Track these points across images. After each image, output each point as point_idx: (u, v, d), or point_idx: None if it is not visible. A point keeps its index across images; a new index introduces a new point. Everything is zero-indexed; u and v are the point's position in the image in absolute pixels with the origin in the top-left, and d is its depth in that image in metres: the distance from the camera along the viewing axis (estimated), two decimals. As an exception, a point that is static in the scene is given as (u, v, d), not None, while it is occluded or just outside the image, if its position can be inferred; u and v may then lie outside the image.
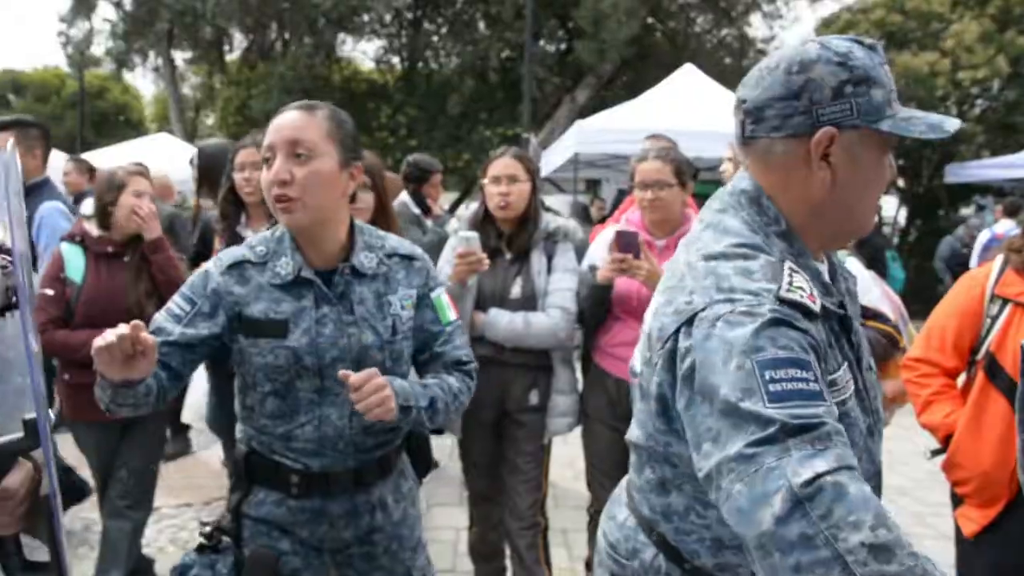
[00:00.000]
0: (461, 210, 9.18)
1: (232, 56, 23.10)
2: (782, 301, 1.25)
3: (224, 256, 2.01)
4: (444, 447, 5.99)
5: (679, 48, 20.31)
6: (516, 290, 3.25)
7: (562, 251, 3.32)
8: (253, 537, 2.02)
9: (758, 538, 1.09)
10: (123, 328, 1.62)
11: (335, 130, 1.94)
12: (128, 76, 28.11)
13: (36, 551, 1.45)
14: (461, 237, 3.11)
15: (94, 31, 22.60)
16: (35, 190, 4.11)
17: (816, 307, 1.28)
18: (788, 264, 1.32)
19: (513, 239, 3.30)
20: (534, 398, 3.30)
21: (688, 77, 11.33)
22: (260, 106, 19.72)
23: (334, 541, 2.07)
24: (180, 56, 23.72)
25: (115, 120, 30.48)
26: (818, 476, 1.06)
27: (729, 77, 18.13)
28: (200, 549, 1.98)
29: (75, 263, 3.42)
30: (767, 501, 1.08)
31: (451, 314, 2.18)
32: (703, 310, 1.27)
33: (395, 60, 22.41)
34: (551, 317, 3.19)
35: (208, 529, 1.99)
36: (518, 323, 3.18)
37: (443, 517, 4.94)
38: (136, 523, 3.64)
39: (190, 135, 21.71)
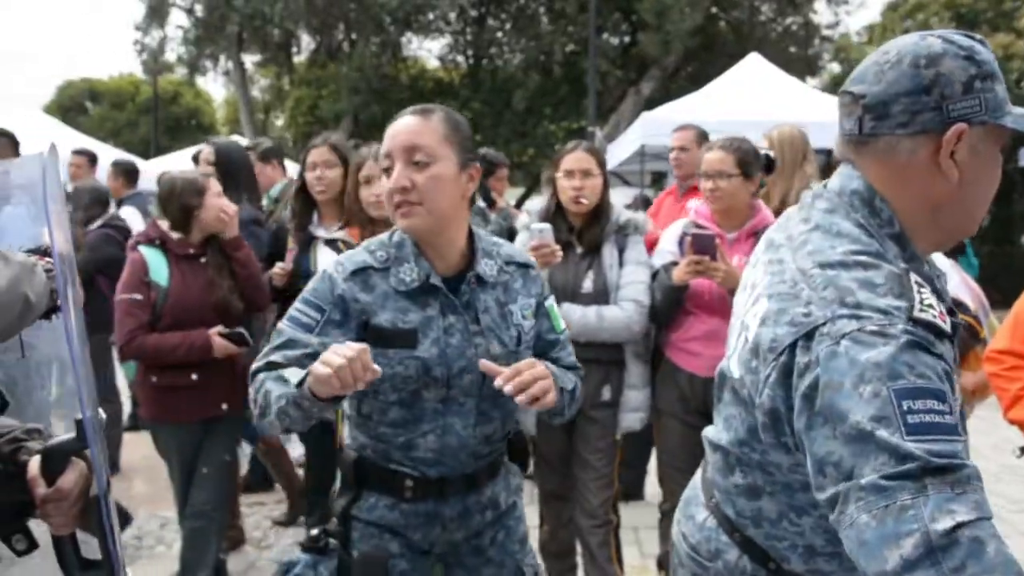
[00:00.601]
0: (531, 204, 9.17)
1: (300, 58, 23.46)
2: (916, 322, 1.18)
3: (346, 261, 1.97)
4: None
5: (744, 37, 20.02)
6: (588, 284, 3.24)
7: (633, 244, 3.32)
8: (363, 539, 1.99)
9: (879, 574, 1.07)
10: (354, 348, 1.64)
11: (451, 133, 1.92)
12: (200, 81, 28.78)
13: (94, 549, 1.44)
14: (534, 229, 3.10)
15: (167, 38, 23.14)
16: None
17: (948, 327, 1.22)
18: (914, 278, 1.25)
19: (584, 233, 3.29)
20: (606, 393, 3.28)
21: (753, 67, 11.17)
22: (329, 106, 20.01)
23: (445, 543, 2.05)
24: (249, 59, 24.16)
25: (187, 124, 31.19)
26: (958, 526, 1.03)
27: (795, 65, 17.85)
28: (307, 550, 1.98)
29: (158, 266, 3.46)
30: (897, 542, 1.05)
31: (562, 322, 2.19)
32: (823, 324, 1.22)
33: (460, 58, 22.52)
34: (624, 310, 3.18)
35: (315, 532, 1.99)
36: (591, 317, 3.17)
37: None
38: (220, 523, 3.69)
39: (260, 136, 22.02)
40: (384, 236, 2.02)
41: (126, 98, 31.75)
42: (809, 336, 1.24)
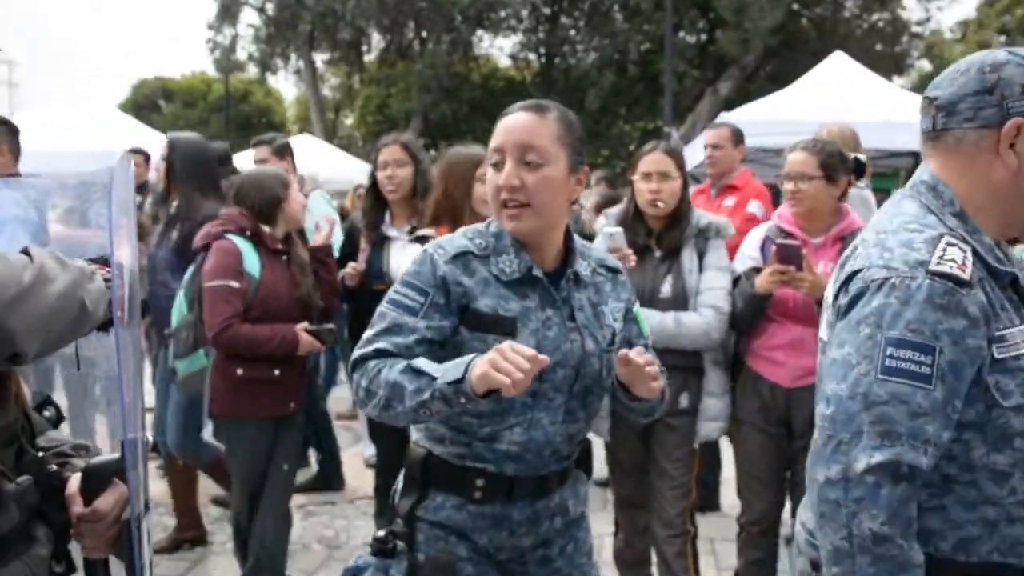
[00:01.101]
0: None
1: (370, 56, 23.57)
2: (934, 275, 1.42)
3: (446, 244, 1.93)
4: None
5: (827, 35, 19.47)
6: (666, 289, 3.16)
7: (714, 248, 3.22)
8: (428, 542, 1.95)
9: (813, 480, 1.48)
10: (526, 356, 1.61)
11: (565, 134, 1.86)
12: (270, 79, 29.09)
13: None
14: (606, 233, 3.05)
15: (239, 37, 23.52)
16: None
17: (967, 275, 1.42)
18: (946, 238, 1.47)
19: (663, 237, 3.20)
20: (684, 401, 3.19)
21: (838, 65, 10.67)
22: (399, 105, 20.02)
23: (512, 549, 2.00)
24: (320, 58, 24.39)
25: (257, 123, 31.55)
26: (869, 469, 1.39)
27: (882, 63, 17.23)
28: (375, 552, 1.93)
29: (250, 258, 3.43)
30: (828, 465, 1.45)
31: (647, 327, 2.17)
32: (860, 271, 1.50)
33: (532, 56, 22.38)
34: (704, 317, 3.11)
35: (382, 533, 1.92)
36: (669, 323, 3.09)
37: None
38: (288, 521, 3.69)
39: (330, 135, 22.20)
40: (480, 225, 1.98)
41: (198, 96, 32.36)
42: (848, 280, 1.53)
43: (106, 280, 1.27)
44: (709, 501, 4.75)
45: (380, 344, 1.84)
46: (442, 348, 1.87)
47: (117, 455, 1.34)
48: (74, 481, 1.35)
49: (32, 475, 1.30)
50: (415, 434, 2.03)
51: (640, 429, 3.23)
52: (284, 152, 4.99)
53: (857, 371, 1.45)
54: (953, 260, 1.44)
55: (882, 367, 1.42)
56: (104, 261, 1.32)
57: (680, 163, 3.19)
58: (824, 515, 1.44)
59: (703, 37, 20.39)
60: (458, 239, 1.94)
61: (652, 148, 3.23)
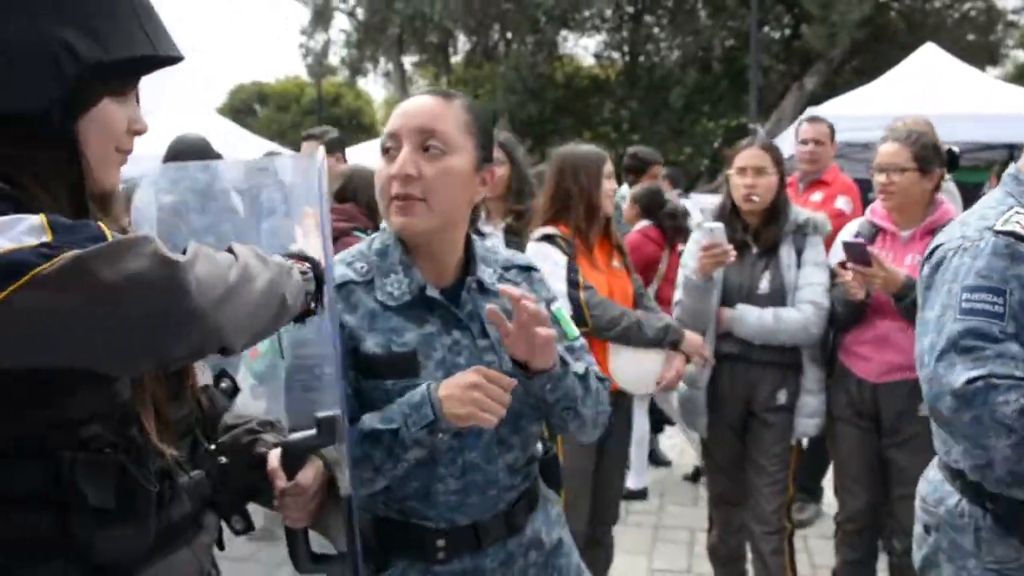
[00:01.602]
0: (703, 201, 8.95)
1: (457, 58, 23.89)
2: (997, 233, 1.70)
3: None
4: (675, 445, 5.87)
5: (916, 26, 19.03)
6: (764, 285, 3.13)
7: (812, 244, 3.16)
8: None
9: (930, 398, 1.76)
10: (504, 378, 1.55)
11: (472, 123, 1.65)
12: (360, 82, 29.73)
13: (323, 545, 1.46)
14: (705, 229, 3.03)
15: (330, 42, 24.08)
16: None
17: None
18: (1015, 208, 1.73)
19: (760, 233, 3.16)
20: (782, 397, 3.16)
21: (928, 57, 10.42)
22: (485, 105, 20.26)
23: None
24: (408, 61, 24.80)
25: (348, 125, 32.27)
26: (970, 381, 1.66)
27: (975, 54, 16.75)
28: None
29: None
30: (942, 389, 1.73)
31: (575, 328, 1.88)
32: (940, 245, 1.81)
33: (615, 55, 22.40)
34: (803, 312, 3.07)
35: None
36: (768, 319, 3.07)
37: (677, 517, 4.79)
38: None
39: (418, 136, 22.50)
40: (362, 245, 1.75)
41: (291, 100, 33.21)
42: (931, 255, 1.86)
43: (303, 273, 1.28)
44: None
45: None
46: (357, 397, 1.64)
47: (314, 431, 1.36)
48: (274, 457, 1.37)
49: (205, 468, 1.32)
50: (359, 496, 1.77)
51: (737, 425, 3.23)
52: (335, 147, 4.83)
53: (942, 319, 1.74)
54: (1017, 223, 1.71)
55: (960, 310, 1.71)
56: (300, 256, 1.33)
57: (777, 158, 3.14)
58: (961, 437, 1.70)
59: (787, 32, 20.16)
60: (337, 267, 1.66)
61: (748, 143, 3.18)
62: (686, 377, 3.20)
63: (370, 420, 1.58)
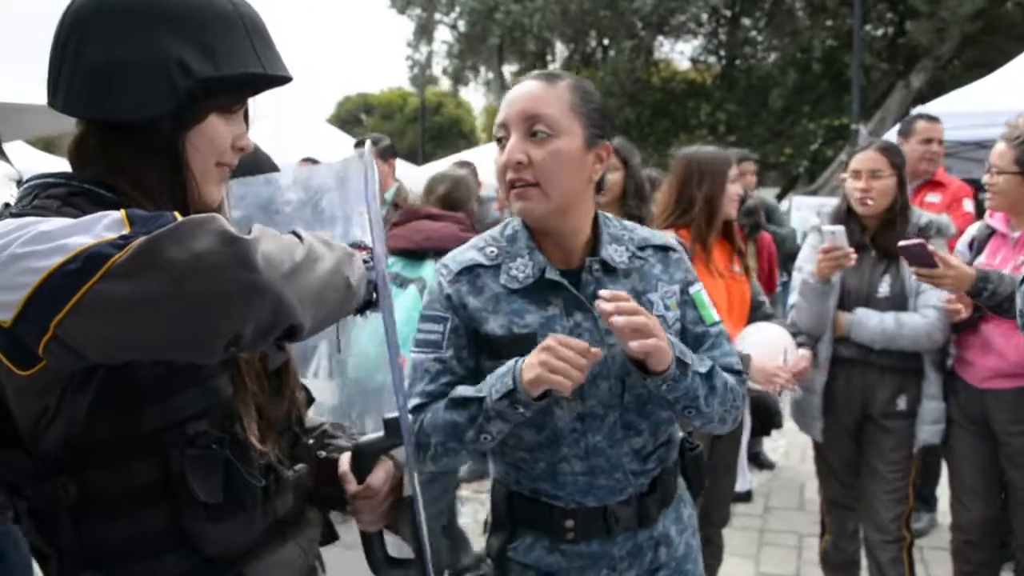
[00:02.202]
0: (803, 203, 8.73)
1: (555, 66, 24.09)
2: None
3: (451, 262, 1.72)
4: (778, 448, 5.77)
5: (1034, 16, 18.25)
6: (884, 288, 3.05)
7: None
8: None
9: None
10: (580, 343, 1.50)
11: (579, 103, 1.62)
12: (462, 91, 30.21)
13: (399, 548, 1.45)
14: (826, 232, 2.95)
15: (433, 53, 24.57)
16: None
17: None
18: None
19: (878, 236, 3.08)
20: (902, 403, 3.08)
21: (1049, 48, 10.11)
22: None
23: None
24: (508, 69, 25.11)
25: (449, 132, 32.83)
26: None
27: (1099, 45, 15.95)
28: None
29: None
30: None
31: (714, 312, 1.80)
32: None
33: (712, 59, 22.24)
34: (926, 318, 2.97)
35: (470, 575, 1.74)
36: (889, 323, 2.98)
37: (783, 521, 4.68)
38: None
39: (518, 143, 22.75)
40: (496, 229, 1.76)
41: (395, 110, 33.92)
42: None
43: (364, 262, 1.27)
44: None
45: (414, 401, 1.66)
46: (477, 377, 1.66)
47: (382, 433, 1.36)
48: (344, 460, 1.37)
49: (305, 462, 1.37)
50: (494, 469, 1.82)
51: (853, 430, 3.16)
52: (387, 155, 4.76)
53: None
54: None
55: None
56: (360, 246, 1.33)
57: (896, 162, 3.05)
58: None
59: (891, 30, 19.68)
60: (466, 251, 1.73)
61: (866, 145, 3.11)
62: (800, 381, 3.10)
63: (464, 389, 1.61)
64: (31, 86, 6.54)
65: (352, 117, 33.88)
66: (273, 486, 1.25)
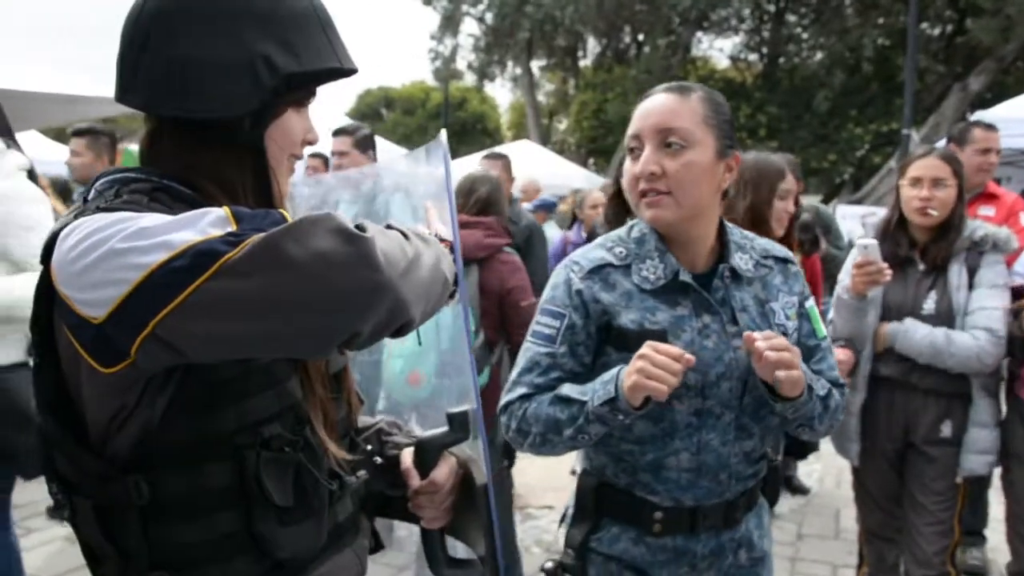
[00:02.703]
0: (848, 212, 8.56)
1: (586, 62, 23.61)
2: None
3: (582, 260, 1.80)
4: (813, 472, 5.57)
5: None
6: (929, 305, 2.92)
7: (989, 263, 2.94)
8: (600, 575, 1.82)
9: None
10: (675, 349, 1.56)
11: (712, 115, 1.69)
12: (487, 87, 29.80)
13: (458, 550, 1.46)
14: (859, 246, 2.87)
15: (459, 46, 24.18)
16: None
17: None
18: None
19: (929, 248, 2.95)
20: (946, 429, 2.95)
21: None
22: (615, 109, 19.85)
23: None
24: (536, 65, 24.66)
25: (473, 129, 32.39)
26: None
27: None
28: None
29: None
30: None
31: (824, 328, 1.90)
32: None
33: (753, 57, 21.61)
34: (977, 340, 2.83)
35: (550, 565, 1.81)
36: (939, 338, 2.84)
37: (816, 550, 4.49)
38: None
39: (544, 140, 22.35)
40: (622, 231, 1.84)
41: (417, 104, 33.71)
42: None
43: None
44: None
45: (522, 390, 1.76)
46: (591, 372, 1.73)
47: (447, 428, 1.36)
48: (407, 456, 1.39)
49: (364, 464, 1.36)
50: (582, 462, 1.91)
51: (894, 457, 3.06)
52: (367, 145, 4.59)
53: None
54: None
55: None
56: (440, 238, 1.33)
57: (957, 171, 2.94)
58: None
59: (949, 28, 18.81)
60: (595, 251, 1.81)
61: (927, 152, 3.01)
62: None
63: (569, 388, 1.68)
64: (42, 73, 6.63)
65: (372, 111, 33.71)
66: (337, 491, 1.25)
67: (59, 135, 11.74)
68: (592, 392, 1.63)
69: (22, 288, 2.54)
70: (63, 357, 1.10)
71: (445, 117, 24.59)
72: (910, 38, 13.76)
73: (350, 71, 1.24)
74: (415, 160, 1.56)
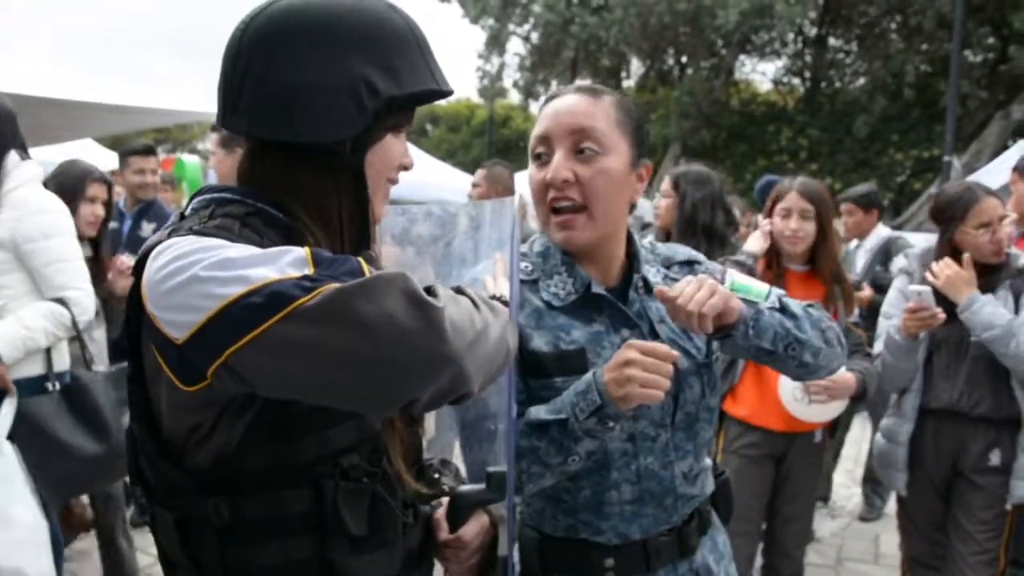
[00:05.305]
0: (917, 242, 8.49)
1: (629, 83, 23.71)
2: None
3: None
4: (852, 495, 5.53)
5: None
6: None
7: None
8: None
9: None
10: (661, 347, 1.43)
11: (625, 119, 1.58)
12: (531, 105, 30.01)
13: None
14: (912, 292, 2.90)
15: (505, 65, 24.39)
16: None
17: None
18: None
19: (978, 278, 2.95)
20: (995, 458, 2.97)
21: None
22: (658, 131, 19.95)
23: None
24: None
25: (516, 146, 32.58)
26: None
27: None
28: None
29: None
30: None
31: (760, 285, 1.74)
32: None
33: (795, 81, 21.59)
34: None
35: None
36: (1015, 323, 2.82)
37: (855, 575, 4.48)
38: None
39: (586, 160, 22.48)
40: (523, 246, 1.71)
41: (462, 121, 33.88)
42: None
43: None
44: None
45: None
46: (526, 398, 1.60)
47: (483, 485, 1.35)
48: (440, 506, 1.37)
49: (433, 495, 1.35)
50: (522, 513, 1.74)
51: (941, 486, 3.07)
52: (228, 141, 4.31)
53: None
54: None
55: None
56: (499, 299, 1.30)
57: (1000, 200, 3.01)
58: None
59: (992, 56, 18.75)
60: None
61: (972, 195, 2.99)
62: (884, 430, 3.16)
63: (537, 412, 1.53)
64: (99, 84, 6.63)
65: (418, 127, 33.91)
66: (410, 520, 1.25)
67: (113, 143, 12.08)
68: (571, 407, 1.49)
69: (30, 325, 2.69)
70: (147, 368, 1.13)
71: (490, 135, 24.83)
72: (953, 65, 13.79)
73: (447, 92, 1.24)
74: (485, 211, 1.52)
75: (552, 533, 1.66)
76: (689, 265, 1.77)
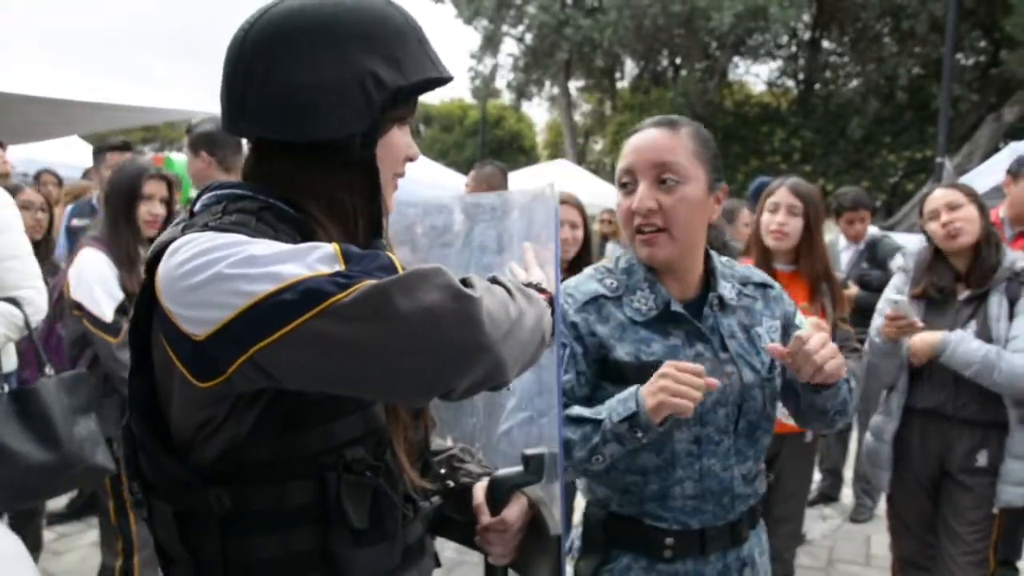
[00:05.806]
0: (907, 242, 8.51)
1: (623, 84, 23.73)
2: None
3: (575, 292, 1.80)
4: (844, 497, 5.54)
5: None
6: (969, 335, 2.91)
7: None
8: None
9: None
10: (696, 366, 1.58)
11: (701, 150, 1.71)
12: (524, 106, 30.01)
13: None
14: (890, 300, 2.93)
15: (498, 66, 24.37)
16: None
17: None
18: None
19: (972, 272, 2.96)
20: (982, 459, 2.94)
21: None
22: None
23: None
24: (574, 85, 24.80)
25: (508, 147, 32.58)
26: None
27: None
28: None
29: None
30: None
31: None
32: None
33: (789, 83, 21.64)
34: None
35: None
36: (991, 353, 2.80)
37: None
38: None
39: (580, 160, 22.54)
40: (609, 263, 1.86)
41: (454, 121, 33.88)
42: None
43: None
44: None
45: (525, 414, 1.71)
46: (588, 402, 1.73)
47: (521, 468, 1.37)
48: (479, 491, 1.39)
49: (436, 488, 1.37)
50: (585, 495, 1.89)
51: (929, 485, 3.06)
52: (200, 145, 3.96)
53: None
54: None
55: None
56: (538, 288, 1.31)
57: (968, 191, 3.02)
58: None
59: (983, 59, 18.84)
60: (587, 283, 1.81)
61: (931, 189, 3.09)
62: (873, 428, 3.16)
63: (579, 409, 1.67)
64: (87, 83, 6.64)
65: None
66: (410, 514, 1.26)
67: (99, 140, 12.06)
68: (609, 410, 1.63)
69: None
70: (157, 363, 1.12)
71: (483, 135, 24.76)
72: (945, 68, 13.82)
73: (448, 79, 1.25)
74: (515, 201, 1.55)
75: (619, 512, 1.79)
76: (763, 287, 1.90)
